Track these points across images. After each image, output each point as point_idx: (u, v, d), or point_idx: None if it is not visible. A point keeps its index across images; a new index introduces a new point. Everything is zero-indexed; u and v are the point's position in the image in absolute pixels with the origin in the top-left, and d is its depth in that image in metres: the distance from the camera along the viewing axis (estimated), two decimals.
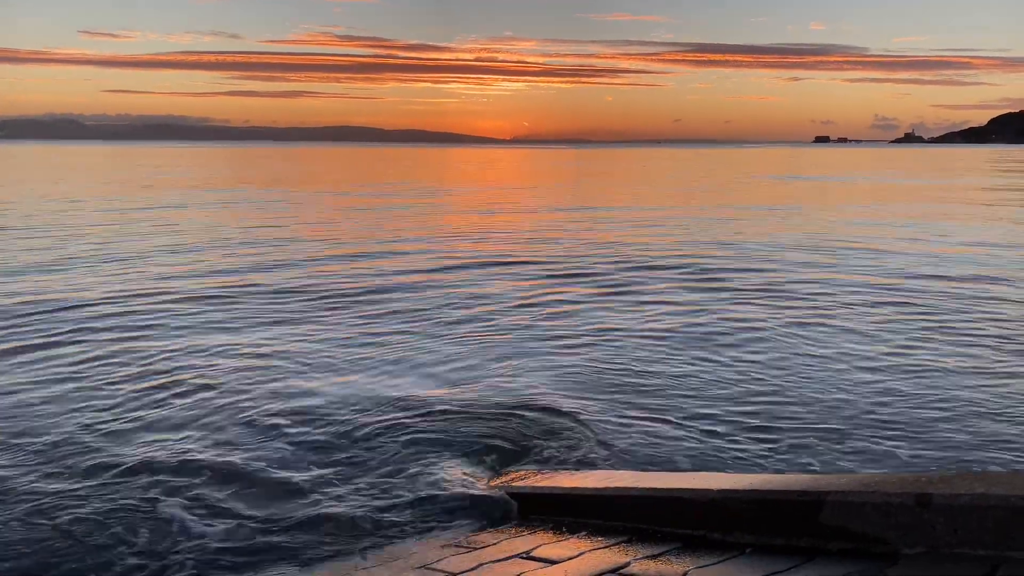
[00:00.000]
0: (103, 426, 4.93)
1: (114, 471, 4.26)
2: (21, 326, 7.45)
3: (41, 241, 13.78)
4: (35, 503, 3.91)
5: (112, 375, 5.97)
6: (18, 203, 22.11)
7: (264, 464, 4.46)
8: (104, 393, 5.56)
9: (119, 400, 5.43)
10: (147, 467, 4.32)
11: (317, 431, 4.93)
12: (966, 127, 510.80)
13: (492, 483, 4.13)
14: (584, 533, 3.45)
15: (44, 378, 5.87)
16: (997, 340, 6.80)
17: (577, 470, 4.25)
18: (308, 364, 6.37)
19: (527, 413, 5.12)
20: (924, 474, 3.04)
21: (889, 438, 4.63)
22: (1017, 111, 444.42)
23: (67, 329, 7.33)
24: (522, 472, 4.26)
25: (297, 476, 4.24)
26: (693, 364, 6.23)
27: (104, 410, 5.22)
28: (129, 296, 8.92)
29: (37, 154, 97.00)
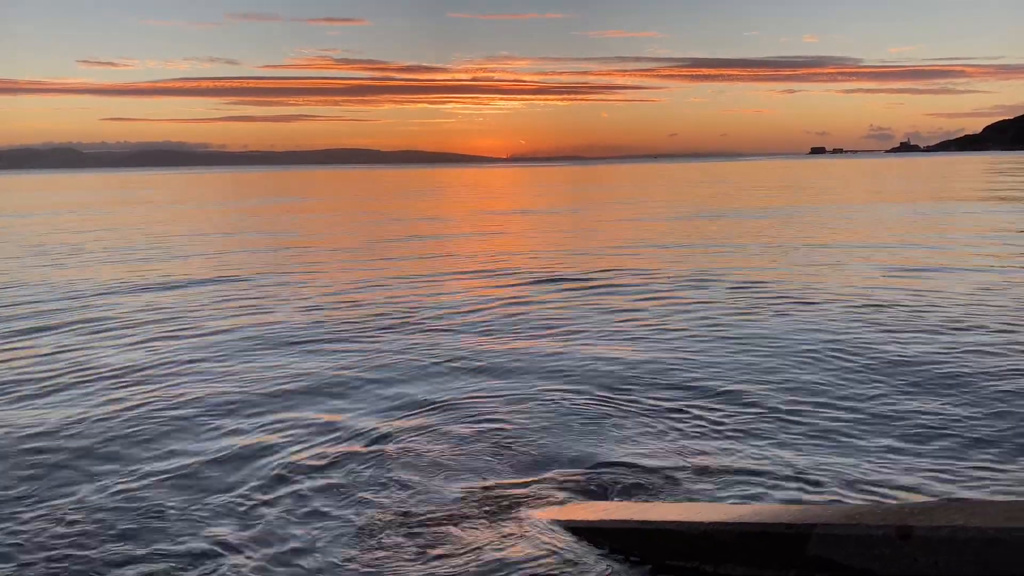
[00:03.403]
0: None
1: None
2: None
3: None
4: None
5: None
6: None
7: (273, 474, 4.59)
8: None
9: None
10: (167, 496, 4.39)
11: (327, 447, 5.05)
12: (961, 135, 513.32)
13: (489, 514, 4.18)
14: None
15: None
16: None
17: (567, 502, 4.31)
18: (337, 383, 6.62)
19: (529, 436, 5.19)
20: (907, 505, 3.13)
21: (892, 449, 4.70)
22: (1012, 118, 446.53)
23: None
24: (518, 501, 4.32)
25: (289, 498, 4.31)
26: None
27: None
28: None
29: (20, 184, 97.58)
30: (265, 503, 4.39)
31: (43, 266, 15.06)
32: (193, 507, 4.34)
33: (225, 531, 4.05)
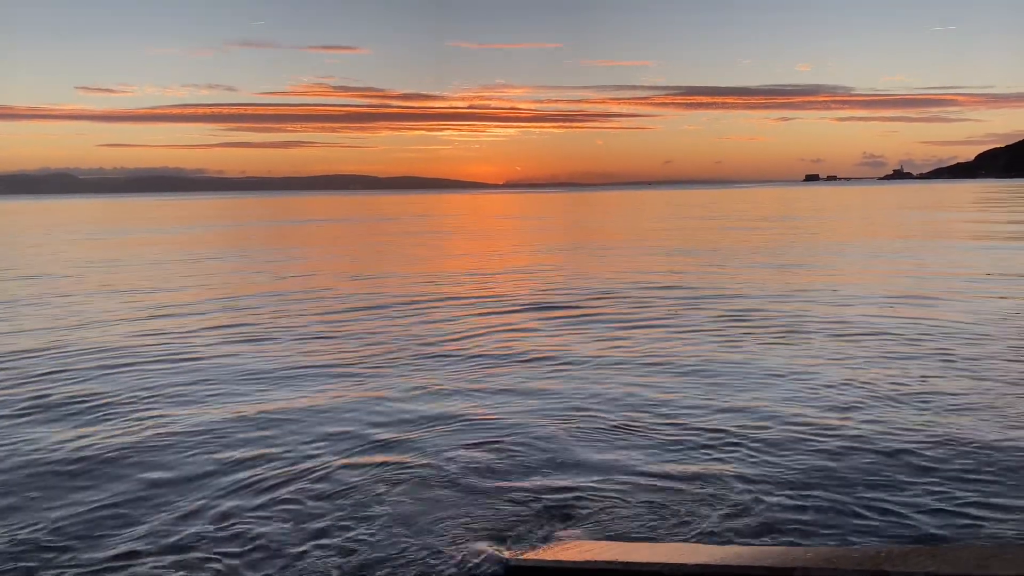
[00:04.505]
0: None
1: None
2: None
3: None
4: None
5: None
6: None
7: (245, 514, 4.50)
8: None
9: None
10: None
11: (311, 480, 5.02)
12: (953, 163, 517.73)
13: (472, 554, 4.15)
14: None
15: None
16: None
17: (559, 541, 4.32)
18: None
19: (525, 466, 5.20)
20: (883, 550, 3.18)
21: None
22: (1003, 146, 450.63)
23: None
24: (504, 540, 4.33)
25: (268, 531, 4.30)
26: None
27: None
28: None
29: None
30: (231, 533, 4.38)
31: None
32: (159, 530, 4.35)
33: (205, 550, 4.07)
